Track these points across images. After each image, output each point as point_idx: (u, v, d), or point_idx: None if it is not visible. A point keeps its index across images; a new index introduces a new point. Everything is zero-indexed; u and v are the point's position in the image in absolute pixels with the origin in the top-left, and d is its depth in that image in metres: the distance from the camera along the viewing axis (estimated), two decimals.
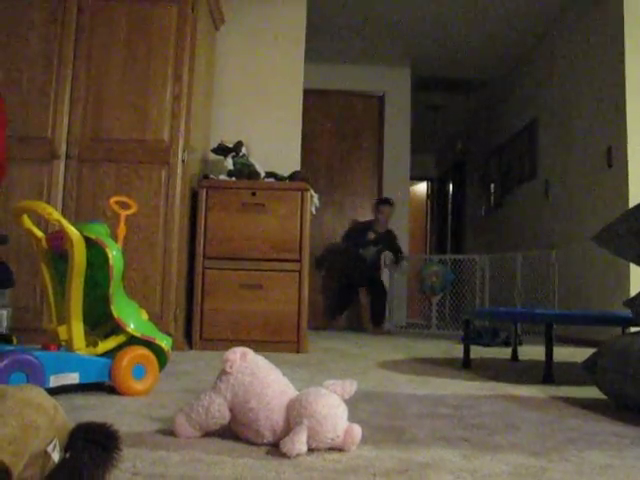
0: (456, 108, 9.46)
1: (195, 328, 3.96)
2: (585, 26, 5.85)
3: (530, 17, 6.37)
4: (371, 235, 6.84)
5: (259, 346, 3.90)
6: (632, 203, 4.87)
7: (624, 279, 4.92)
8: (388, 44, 7.13)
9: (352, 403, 1.95)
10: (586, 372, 2.30)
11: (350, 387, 1.45)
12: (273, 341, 3.96)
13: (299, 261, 4.03)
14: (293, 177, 4.27)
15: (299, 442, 1.32)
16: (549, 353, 2.76)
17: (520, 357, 3.99)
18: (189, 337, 4.00)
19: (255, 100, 4.85)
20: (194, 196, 4.11)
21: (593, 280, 5.50)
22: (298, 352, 3.95)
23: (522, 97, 7.60)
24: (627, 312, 2.77)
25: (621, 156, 5.07)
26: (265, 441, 1.42)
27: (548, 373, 2.74)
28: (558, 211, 6.33)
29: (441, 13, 6.34)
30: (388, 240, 6.94)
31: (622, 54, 5.11)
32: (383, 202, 6.96)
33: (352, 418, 1.47)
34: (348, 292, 6.89)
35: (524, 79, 7.52)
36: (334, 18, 6.46)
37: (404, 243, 7.34)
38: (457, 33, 6.82)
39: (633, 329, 2.90)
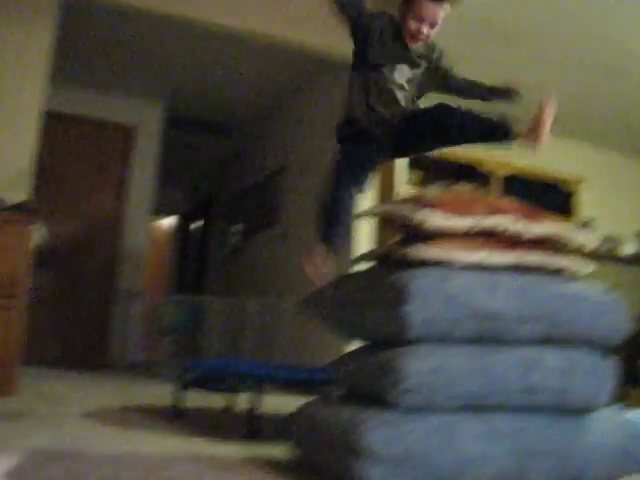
0: (209, 148, 9.56)
1: None
2: (330, 86, 6.19)
3: (284, 71, 6.64)
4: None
5: None
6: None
7: None
8: (144, 77, 7.03)
9: (38, 464, 1.86)
10: (284, 433, 2.39)
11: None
12: None
13: (13, 297, 3.77)
14: (19, 207, 4.03)
15: None
16: (252, 411, 2.82)
17: (241, 406, 4.01)
18: None
19: None
20: None
21: (318, 333, 5.71)
22: (6, 395, 3.67)
23: (272, 145, 7.86)
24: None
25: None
26: None
27: (251, 430, 2.80)
28: (296, 260, 6.50)
29: (199, 56, 6.40)
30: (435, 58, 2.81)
31: None
32: None
33: None
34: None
35: (275, 130, 7.80)
36: (88, 41, 6.23)
37: (141, 279, 7.19)
38: (214, 77, 6.92)
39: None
